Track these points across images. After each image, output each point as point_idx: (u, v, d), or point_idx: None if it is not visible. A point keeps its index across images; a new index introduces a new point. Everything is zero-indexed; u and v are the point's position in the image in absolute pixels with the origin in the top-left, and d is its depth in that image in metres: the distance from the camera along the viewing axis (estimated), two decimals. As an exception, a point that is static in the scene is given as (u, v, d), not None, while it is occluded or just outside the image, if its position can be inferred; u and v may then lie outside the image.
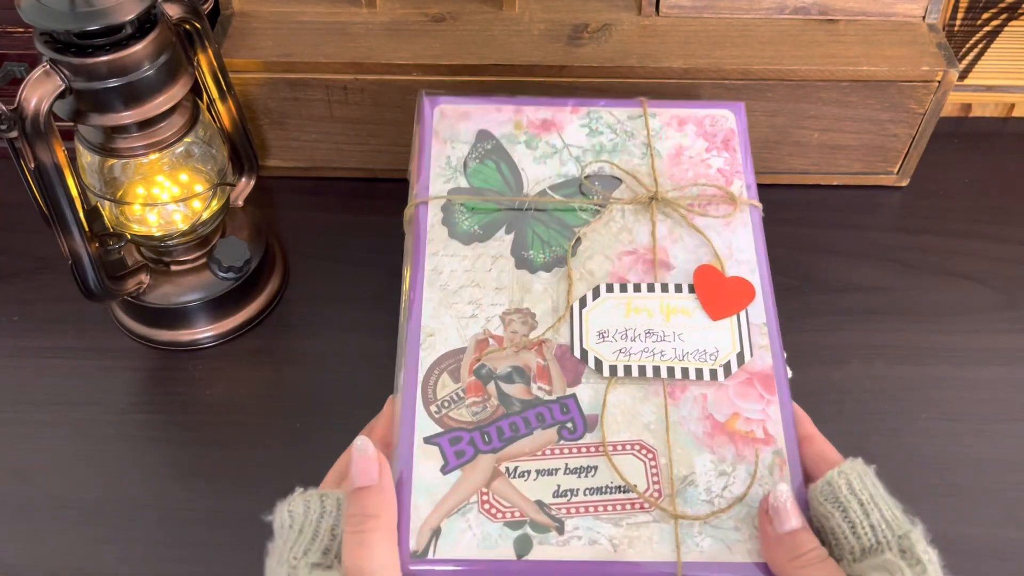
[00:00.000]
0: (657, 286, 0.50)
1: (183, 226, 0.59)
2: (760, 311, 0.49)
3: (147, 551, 0.52)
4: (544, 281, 0.50)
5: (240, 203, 0.65)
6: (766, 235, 0.53)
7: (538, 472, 0.44)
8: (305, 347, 0.62)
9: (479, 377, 0.47)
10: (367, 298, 0.64)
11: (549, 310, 0.49)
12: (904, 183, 0.72)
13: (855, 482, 0.41)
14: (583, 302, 0.49)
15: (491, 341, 0.48)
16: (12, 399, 0.59)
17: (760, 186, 0.55)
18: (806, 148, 0.69)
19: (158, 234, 0.59)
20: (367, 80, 0.65)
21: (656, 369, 0.47)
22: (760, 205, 0.54)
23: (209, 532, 0.53)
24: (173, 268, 0.61)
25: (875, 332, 0.62)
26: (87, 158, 0.56)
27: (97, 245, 0.55)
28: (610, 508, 0.44)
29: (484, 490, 0.44)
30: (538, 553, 0.42)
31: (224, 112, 0.61)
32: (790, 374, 0.48)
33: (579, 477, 0.44)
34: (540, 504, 0.44)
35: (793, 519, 0.41)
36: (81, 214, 0.53)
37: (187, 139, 0.56)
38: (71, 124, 0.52)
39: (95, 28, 0.48)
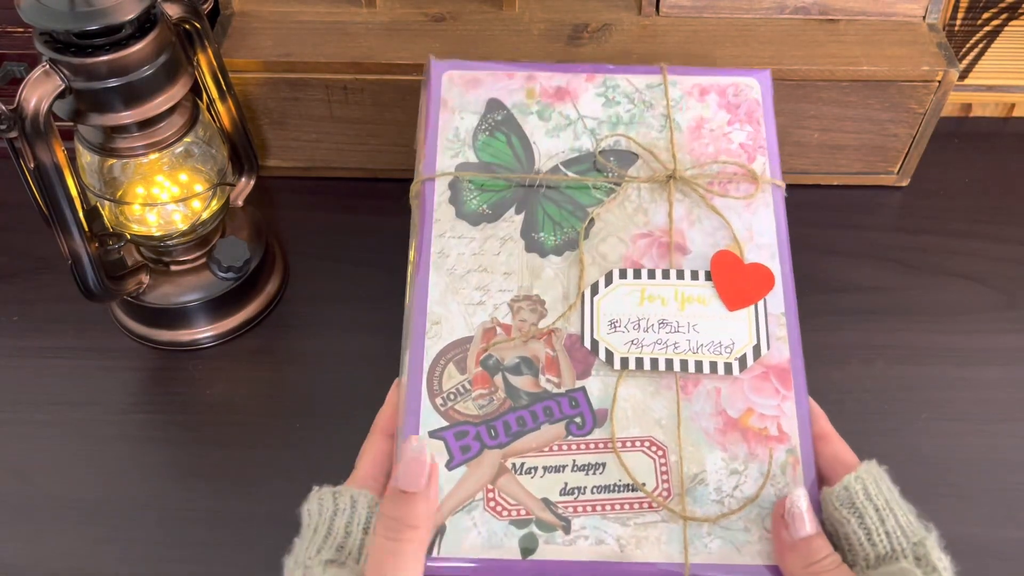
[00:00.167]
0: (672, 272, 0.48)
1: (183, 226, 0.59)
2: (779, 300, 0.47)
3: (147, 551, 0.52)
4: (555, 266, 0.48)
5: (240, 203, 0.65)
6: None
7: (545, 469, 0.43)
8: (305, 347, 0.62)
9: (486, 368, 0.45)
10: (367, 298, 0.64)
11: (559, 297, 0.47)
12: (904, 183, 0.72)
13: (871, 487, 0.40)
14: (595, 289, 0.47)
15: (499, 330, 0.46)
16: (12, 399, 0.59)
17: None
18: (806, 148, 0.69)
19: (158, 234, 0.59)
20: (367, 80, 0.65)
21: (669, 362, 0.45)
22: (783, 184, 0.51)
23: (209, 532, 0.53)
24: (173, 268, 0.61)
25: (875, 332, 0.62)
26: (87, 158, 0.55)
27: (97, 245, 0.55)
28: (618, 507, 0.43)
29: (490, 487, 0.43)
30: (544, 553, 0.42)
31: (224, 112, 0.61)
32: None
33: (587, 474, 0.43)
34: (547, 502, 0.43)
35: (809, 525, 0.40)
36: (81, 214, 0.53)
37: (187, 139, 0.56)
38: (71, 124, 0.52)
39: (95, 28, 0.48)
